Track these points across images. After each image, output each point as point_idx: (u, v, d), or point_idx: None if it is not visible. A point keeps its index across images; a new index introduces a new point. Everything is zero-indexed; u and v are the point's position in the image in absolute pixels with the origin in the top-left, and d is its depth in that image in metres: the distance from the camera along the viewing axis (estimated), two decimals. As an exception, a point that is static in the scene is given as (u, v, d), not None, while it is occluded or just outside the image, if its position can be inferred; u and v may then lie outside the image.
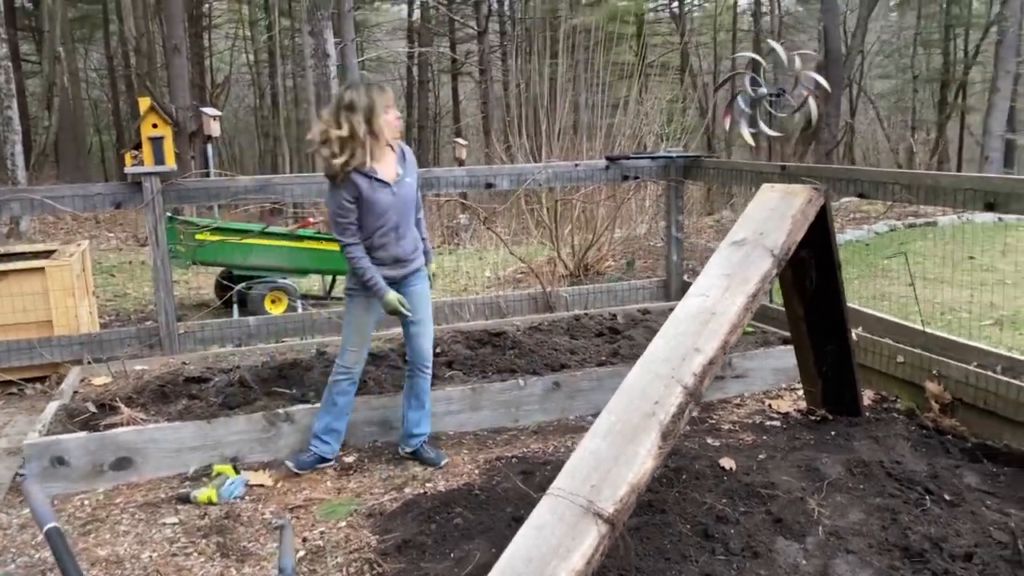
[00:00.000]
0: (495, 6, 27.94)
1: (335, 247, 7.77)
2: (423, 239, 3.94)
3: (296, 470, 3.84)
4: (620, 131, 9.52)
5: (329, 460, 3.91)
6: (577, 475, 2.53)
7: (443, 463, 3.92)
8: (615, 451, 2.56)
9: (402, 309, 3.70)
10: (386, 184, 3.64)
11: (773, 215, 3.38)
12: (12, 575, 3.01)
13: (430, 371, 3.98)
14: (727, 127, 5.84)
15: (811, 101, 5.18)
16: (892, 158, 25.10)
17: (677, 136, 10.34)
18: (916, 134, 25.52)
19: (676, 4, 30.09)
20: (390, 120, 3.65)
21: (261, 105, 29.57)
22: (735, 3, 30.05)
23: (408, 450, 3.99)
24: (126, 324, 6.86)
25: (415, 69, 28.96)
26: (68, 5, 23.91)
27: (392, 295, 3.67)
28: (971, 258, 8.45)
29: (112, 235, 14.88)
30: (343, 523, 3.38)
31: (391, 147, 3.72)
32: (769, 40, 5.25)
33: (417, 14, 28.46)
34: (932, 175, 4.26)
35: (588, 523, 2.39)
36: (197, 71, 24.43)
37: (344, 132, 3.52)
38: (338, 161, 3.53)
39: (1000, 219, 10.64)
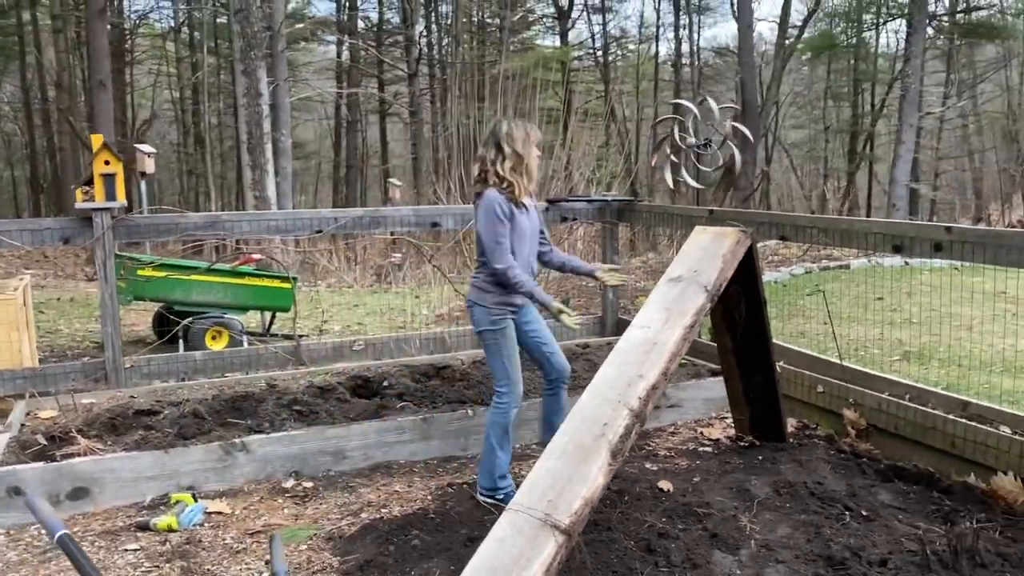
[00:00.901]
0: (425, 50, 28.36)
1: (275, 283, 7.90)
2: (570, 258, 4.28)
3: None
4: (553, 174, 9.87)
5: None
6: (535, 492, 2.72)
7: None
8: (569, 469, 2.77)
9: (569, 313, 3.85)
10: (528, 210, 3.86)
11: (706, 255, 3.67)
12: None
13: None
14: (653, 163, 6.21)
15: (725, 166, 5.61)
16: (805, 204, 26.30)
17: (606, 181, 10.77)
18: (828, 182, 26.82)
19: (600, 53, 31.07)
20: (535, 156, 3.88)
21: (185, 143, 29.20)
22: (656, 54, 31.25)
23: None
24: (62, 360, 6.80)
25: (344, 109, 29.07)
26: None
27: (558, 303, 3.86)
28: (880, 299, 8.99)
29: (30, 272, 14.51)
30: (304, 546, 3.50)
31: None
32: (708, 98, 5.62)
33: (346, 55, 28.65)
34: (847, 220, 4.65)
35: (546, 535, 2.58)
36: (119, 107, 24.03)
37: (501, 157, 3.75)
38: (504, 183, 3.74)
39: (906, 263, 11.38)
